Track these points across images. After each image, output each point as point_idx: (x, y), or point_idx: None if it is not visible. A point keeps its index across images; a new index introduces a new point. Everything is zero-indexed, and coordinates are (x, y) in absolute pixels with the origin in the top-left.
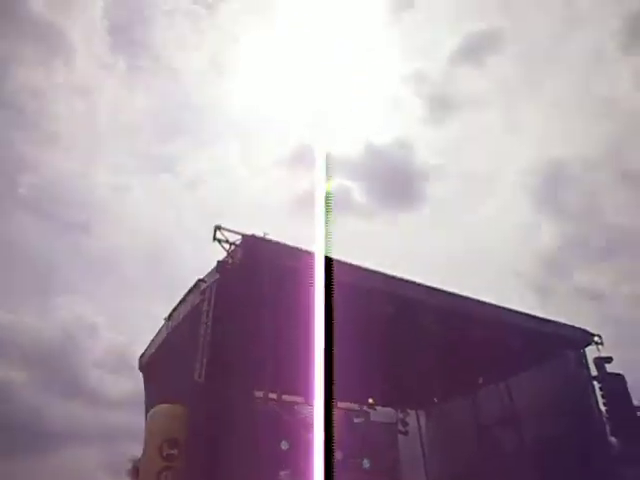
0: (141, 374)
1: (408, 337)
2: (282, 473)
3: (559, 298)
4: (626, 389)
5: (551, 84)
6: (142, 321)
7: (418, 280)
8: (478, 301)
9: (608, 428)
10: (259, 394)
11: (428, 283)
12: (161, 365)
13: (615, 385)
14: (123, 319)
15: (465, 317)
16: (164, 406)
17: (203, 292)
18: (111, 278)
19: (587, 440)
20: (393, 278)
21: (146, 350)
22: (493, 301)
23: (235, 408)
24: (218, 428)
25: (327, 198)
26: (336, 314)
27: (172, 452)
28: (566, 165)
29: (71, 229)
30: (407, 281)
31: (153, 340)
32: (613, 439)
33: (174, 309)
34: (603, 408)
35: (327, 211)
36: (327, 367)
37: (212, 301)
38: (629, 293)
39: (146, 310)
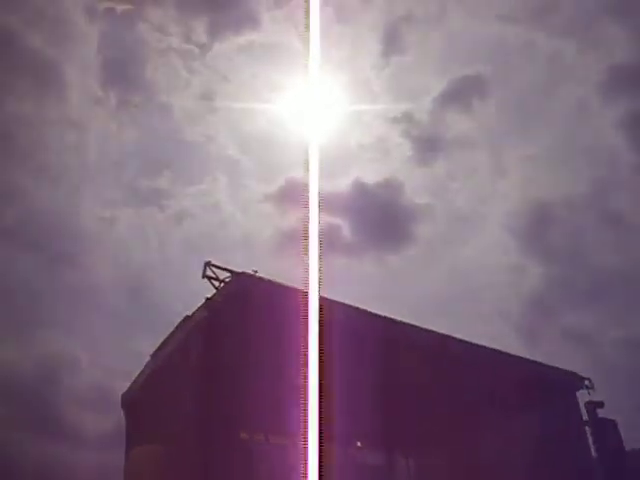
0: (123, 412)
1: (399, 379)
2: None
3: (545, 340)
4: (619, 436)
5: (536, 129)
6: (125, 357)
7: (407, 320)
8: (471, 344)
9: (600, 475)
10: (245, 435)
11: (416, 323)
12: (145, 403)
13: (607, 431)
14: (105, 354)
15: (457, 360)
16: (147, 448)
17: (191, 330)
18: (94, 312)
19: None
20: (385, 319)
21: (130, 387)
22: (480, 342)
23: (220, 450)
24: (202, 471)
25: (319, 236)
26: (327, 354)
27: None
28: (551, 207)
29: (55, 260)
30: (401, 322)
31: (137, 377)
32: None
33: (160, 346)
34: (594, 454)
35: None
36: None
37: (200, 339)
38: (617, 336)
39: (129, 346)
